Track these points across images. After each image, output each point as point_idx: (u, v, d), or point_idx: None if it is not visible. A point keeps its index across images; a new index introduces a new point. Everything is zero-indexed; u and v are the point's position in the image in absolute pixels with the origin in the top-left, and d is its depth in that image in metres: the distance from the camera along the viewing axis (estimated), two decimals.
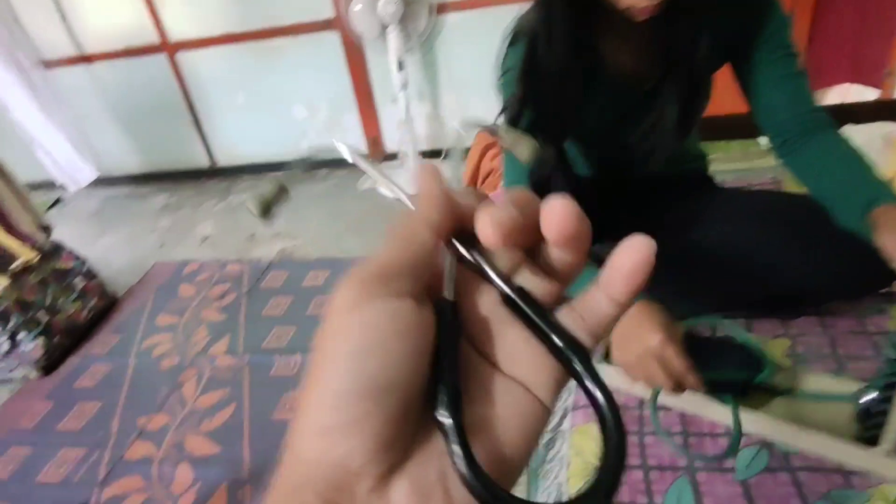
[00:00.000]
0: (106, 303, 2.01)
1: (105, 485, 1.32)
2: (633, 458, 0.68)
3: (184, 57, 2.74)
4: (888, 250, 0.65)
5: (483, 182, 1.41)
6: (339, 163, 2.93)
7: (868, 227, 0.68)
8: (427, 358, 0.19)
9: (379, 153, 2.86)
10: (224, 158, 3.06)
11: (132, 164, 3.12)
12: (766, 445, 0.68)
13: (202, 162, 3.06)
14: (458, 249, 0.20)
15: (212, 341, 1.76)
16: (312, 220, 2.50)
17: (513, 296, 0.20)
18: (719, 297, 0.83)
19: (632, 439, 0.71)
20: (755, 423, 0.67)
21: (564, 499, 0.66)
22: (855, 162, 0.75)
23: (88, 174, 2.94)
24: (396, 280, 0.19)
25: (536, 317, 0.20)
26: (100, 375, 1.71)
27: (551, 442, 0.74)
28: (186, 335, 1.82)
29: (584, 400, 0.77)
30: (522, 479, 0.71)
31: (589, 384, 0.19)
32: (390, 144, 2.84)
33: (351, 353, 0.18)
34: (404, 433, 0.18)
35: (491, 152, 1.40)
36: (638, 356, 0.66)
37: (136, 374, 1.68)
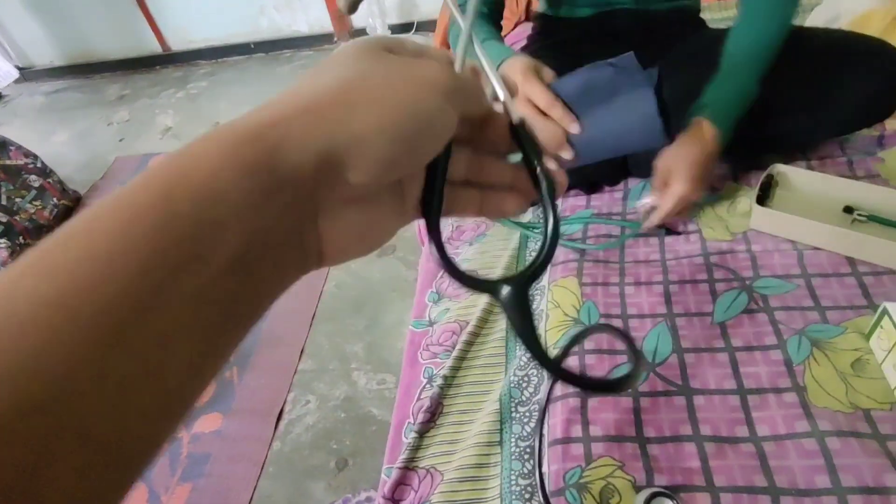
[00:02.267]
0: (69, 201, 1.92)
1: None
2: (613, 308, 0.67)
3: None
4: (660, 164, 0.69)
5: None
6: (303, 42, 2.70)
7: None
8: (440, 151, 0.22)
9: (345, 29, 2.63)
10: (177, 43, 2.80)
11: (74, 53, 2.85)
12: (747, 289, 0.67)
13: (153, 48, 2.81)
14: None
15: None
16: None
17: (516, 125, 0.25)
18: None
19: (612, 290, 0.69)
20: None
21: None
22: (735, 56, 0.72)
23: (7, 72, 2.68)
24: (466, 92, 0.22)
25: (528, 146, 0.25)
26: None
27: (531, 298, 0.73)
28: None
29: (563, 256, 0.75)
30: (500, 336, 0.70)
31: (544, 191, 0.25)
32: (357, 18, 2.60)
33: (412, 97, 0.19)
34: (385, 183, 0.20)
35: None
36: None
37: None
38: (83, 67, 2.89)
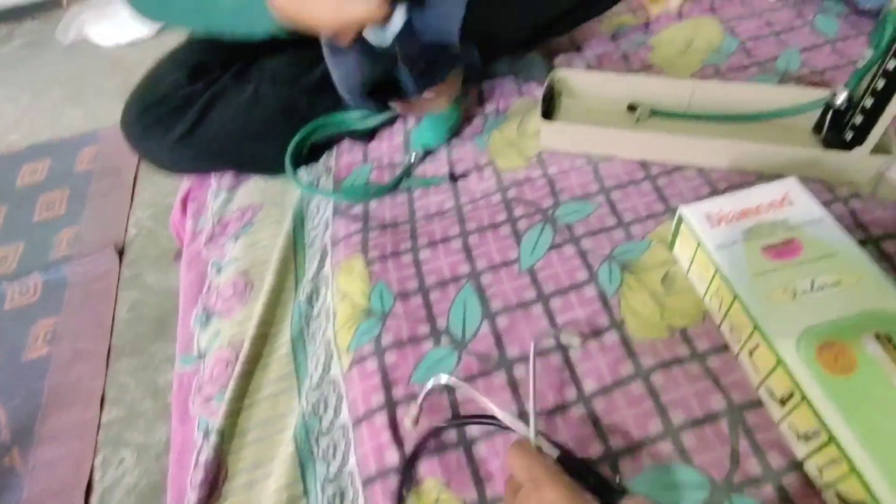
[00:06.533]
0: None
1: None
2: (408, 283, 0.56)
3: None
4: None
5: None
6: (23, 12, 2.13)
7: None
8: None
9: None
10: None
11: None
12: (550, 220, 0.59)
13: None
14: None
15: None
16: (6, 97, 1.85)
17: None
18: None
19: (405, 259, 0.58)
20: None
21: (335, 359, 0.53)
22: None
23: None
24: None
25: None
26: None
27: (314, 293, 0.59)
28: None
29: (344, 229, 0.62)
30: (286, 351, 0.56)
31: None
32: None
33: None
34: None
35: None
36: None
37: None
38: None
